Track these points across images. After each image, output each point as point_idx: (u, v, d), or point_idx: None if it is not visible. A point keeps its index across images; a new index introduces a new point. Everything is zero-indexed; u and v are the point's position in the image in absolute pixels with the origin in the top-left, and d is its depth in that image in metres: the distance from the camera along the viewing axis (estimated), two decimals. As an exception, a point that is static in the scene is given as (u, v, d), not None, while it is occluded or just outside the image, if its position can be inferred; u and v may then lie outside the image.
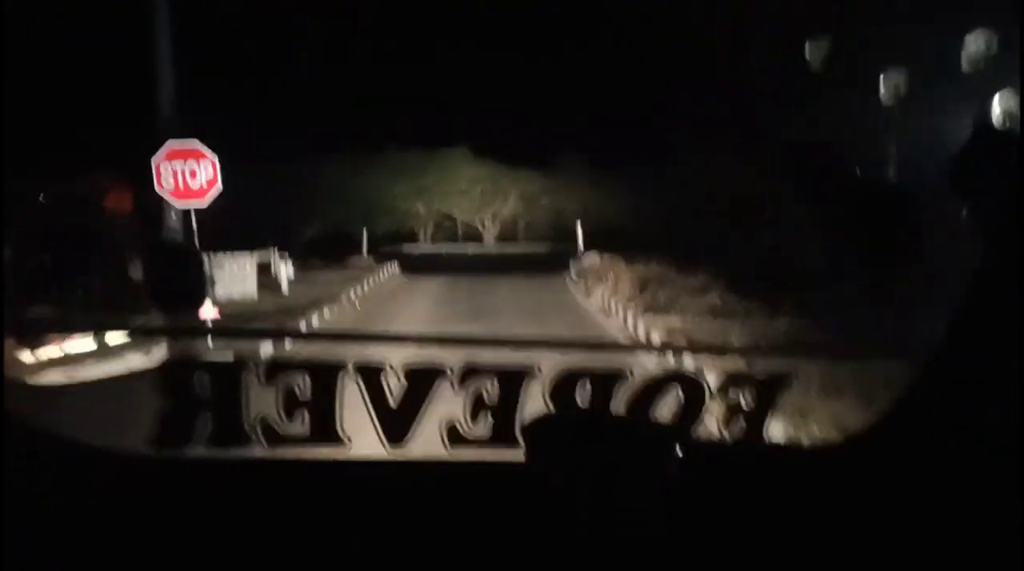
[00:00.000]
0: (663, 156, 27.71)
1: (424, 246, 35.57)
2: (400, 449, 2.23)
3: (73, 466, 2.22)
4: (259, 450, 2.19)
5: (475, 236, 37.03)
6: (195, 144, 8.88)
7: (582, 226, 25.51)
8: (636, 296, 14.77)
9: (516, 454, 2.23)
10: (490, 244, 35.99)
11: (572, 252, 25.66)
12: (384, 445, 2.23)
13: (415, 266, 24.75)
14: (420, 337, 2.87)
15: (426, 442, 2.26)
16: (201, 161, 8.55)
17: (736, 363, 2.34)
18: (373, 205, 33.17)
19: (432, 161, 34.15)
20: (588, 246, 24.13)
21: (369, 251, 28.84)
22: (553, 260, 27.33)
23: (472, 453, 2.25)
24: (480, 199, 35.80)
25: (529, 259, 29.19)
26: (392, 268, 23.42)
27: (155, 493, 2.15)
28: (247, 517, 2.11)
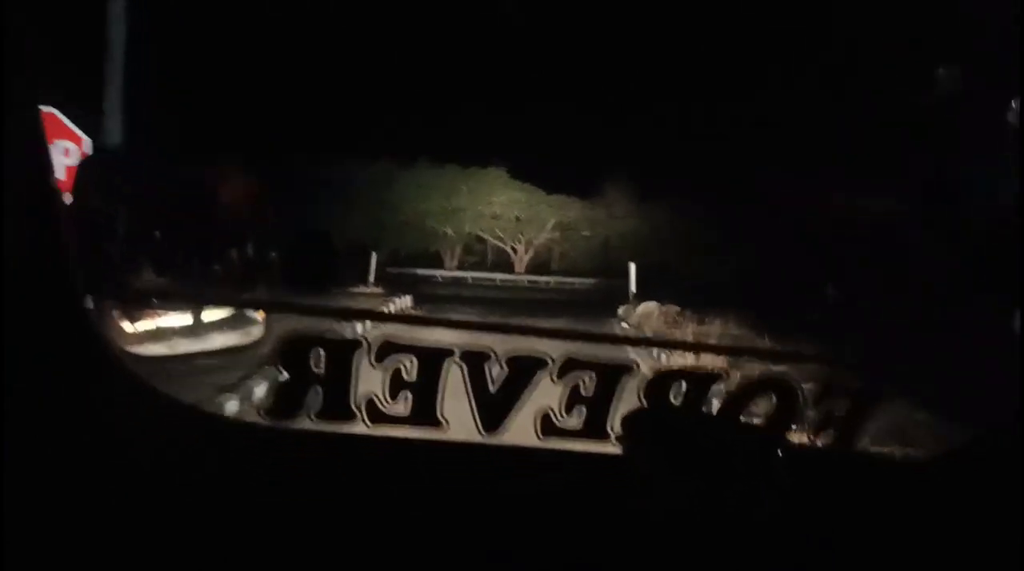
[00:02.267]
0: (713, 192, 25.91)
1: (447, 272, 32.73)
2: (495, 435, 2.33)
3: (185, 429, 2.37)
4: (362, 427, 2.32)
5: (505, 264, 34.37)
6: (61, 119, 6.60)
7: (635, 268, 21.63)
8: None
9: (606, 447, 2.32)
10: (521, 274, 33.60)
11: (618, 293, 23.06)
12: (480, 431, 2.34)
13: (434, 299, 21.29)
14: (519, 327, 2.97)
15: (520, 430, 2.36)
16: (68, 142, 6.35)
17: (830, 375, 2.39)
18: (396, 221, 31.16)
19: (466, 180, 32.66)
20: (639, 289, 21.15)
21: (379, 277, 25.01)
22: (594, 298, 25.41)
23: (564, 444, 2.34)
24: (515, 224, 33.39)
25: (567, 295, 27.32)
26: (403, 302, 18.86)
27: (264, 462, 2.29)
28: (348, 490, 2.24)
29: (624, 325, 17.90)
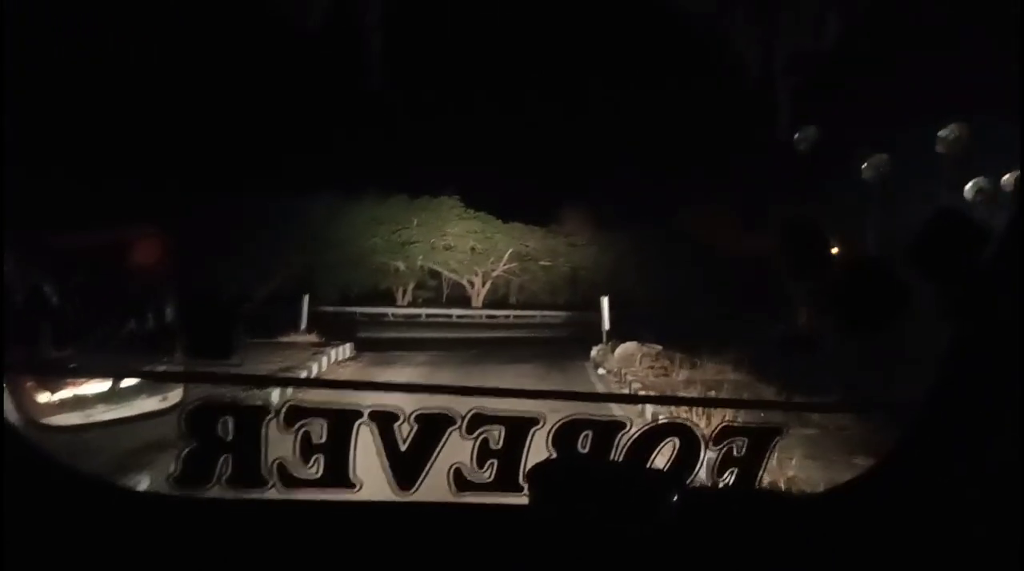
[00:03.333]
0: (665, 223, 25.28)
1: (399, 310, 30.15)
2: (409, 493, 2.37)
3: (94, 503, 2.35)
4: (275, 492, 2.33)
5: (462, 299, 32.02)
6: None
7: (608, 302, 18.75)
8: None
9: (519, 499, 2.38)
10: (478, 308, 31.16)
11: (587, 327, 20.37)
12: (394, 489, 2.37)
13: (379, 347, 17.74)
14: (429, 386, 3.03)
15: (434, 487, 2.40)
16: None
17: (730, 416, 2.51)
18: (342, 258, 28.53)
19: (416, 211, 29.92)
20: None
21: (321, 319, 20.81)
22: (559, 333, 23.19)
23: (477, 498, 2.39)
24: (470, 256, 31.04)
25: (530, 333, 24.36)
26: (341, 352, 15.96)
27: (174, 531, 2.29)
28: (261, 557, 2.24)
29: (601, 371, 15.23)
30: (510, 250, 31.34)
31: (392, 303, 31.02)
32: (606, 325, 18.34)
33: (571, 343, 19.39)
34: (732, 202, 20.95)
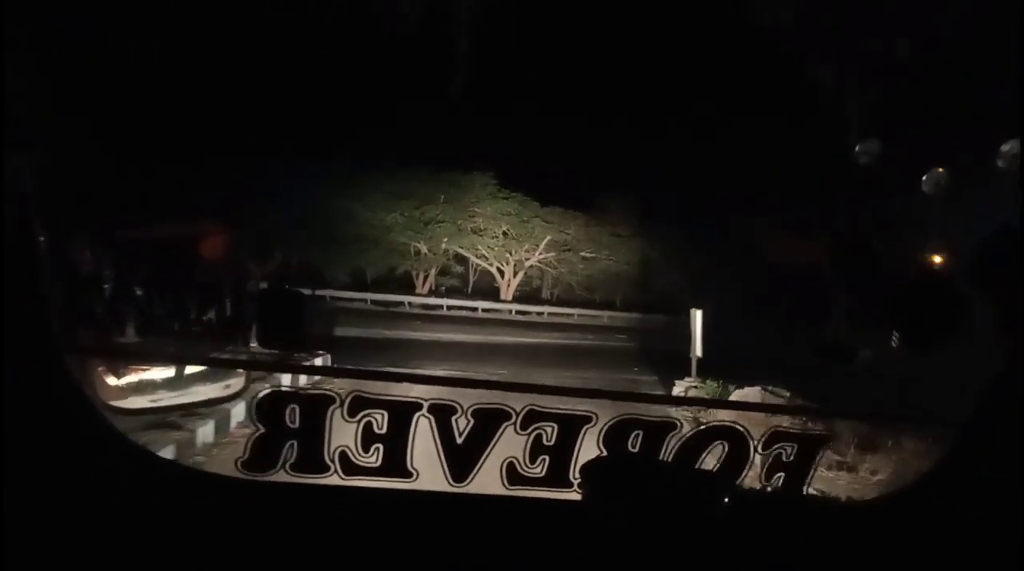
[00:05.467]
0: (708, 217, 22.72)
1: (417, 298, 26.27)
2: (463, 485, 2.49)
3: (164, 484, 2.51)
4: (335, 478, 2.47)
5: (489, 290, 28.15)
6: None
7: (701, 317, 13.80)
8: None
9: (570, 494, 2.48)
10: (507, 302, 27.31)
11: (643, 340, 16.70)
12: (448, 480, 2.49)
13: (366, 352, 12.86)
14: (487, 381, 3.15)
15: (486, 480, 2.51)
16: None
17: (781, 421, 2.57)
18: (355, 236, 24.78)
19: (443, 185, 25.66)
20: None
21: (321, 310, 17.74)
22: (607, 343, 18.97)
23: (529, 492, 2.49)
24: (502, 241, 26.91)
25: (568, 338, 19.93)
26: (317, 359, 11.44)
27: (240, 513, 2.44)
28: (319, 540, 2.38)
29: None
30: (547, 238, 27.05)
31: (411, 290, 27.07)
32: (698, 350, 13.45)
33: (625, 357, 15.66)
34: (788, 209, 20.10)
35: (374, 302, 24.63)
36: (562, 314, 26.57)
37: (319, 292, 21.99)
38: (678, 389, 12.81)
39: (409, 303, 25.82)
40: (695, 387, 12.53)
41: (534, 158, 23.45)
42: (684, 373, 13.22)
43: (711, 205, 22.39)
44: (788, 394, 11.42)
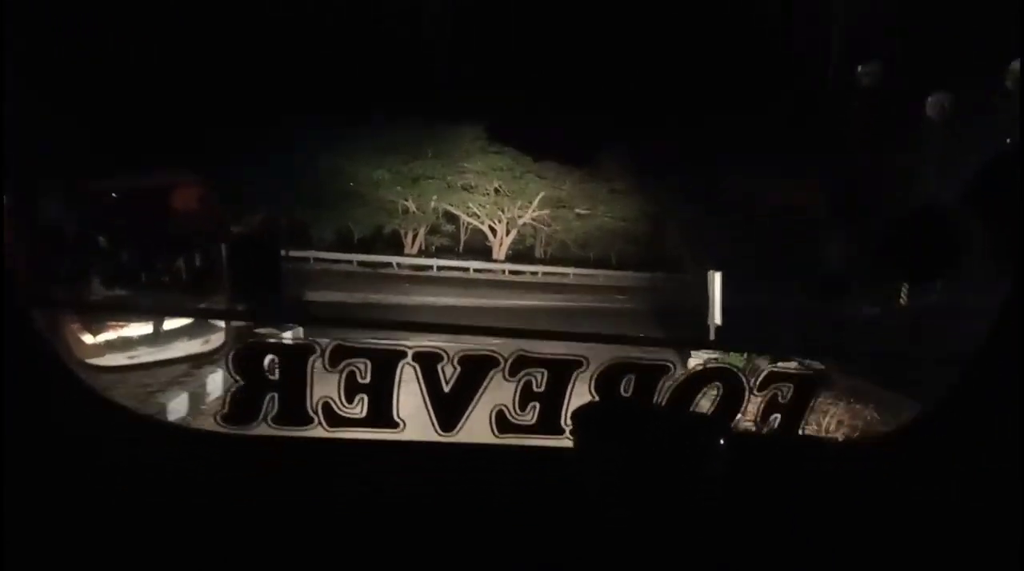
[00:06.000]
0: (707, 169, 22.06)
1: (406, 259, 25.47)
2: (451, 434, 2.42)
3: (144, 439, 2.44)
4: (319, 430, 2.40)
5: (481, 249, 27.27)
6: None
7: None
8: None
9: (562, 441, 2.43)
10: (500, 262, 26.76)
11: (633, 293, 16.71)
12: (436, 429, 2.43)
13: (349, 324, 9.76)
14: (472, 328, 3.07)
15: (475, 428, 2.45)
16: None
17: (774, 362, 2.52)
18: (341, 192, 23.59)
19: (432, 140, 24.40)
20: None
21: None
22: (606, 305, 18.45)
23: (519, 440, 2.44)
24: (493, 198, 26.05)
25: (566, 299, 19.47)
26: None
27: (221, 467, 2.37)
28: (305, 493, 2.33)
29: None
30: (541, 194, 26.10)
31: (399, 250, 26.08)
32: (716, 317, 12.17)
33: (628, 320, 14.79)
34: (785, 146, 19.73)
35: (360, 263, 23.77)
36: (557, 273, 25.87)
37: (301, 253, 21.48)
38: (695, 362, 9.67)
39: (397, 264, 24.96)
40: (715, 359, 10.77)
41: (527, 110, 22.19)
42: (696, 338, 11.93)
43: (708, 156, 21.93)
44: (823, 367, 9.69)
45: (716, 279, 12.16)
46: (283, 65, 19.76)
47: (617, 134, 23.06)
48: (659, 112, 21.98)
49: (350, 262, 23.33)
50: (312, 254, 22.04)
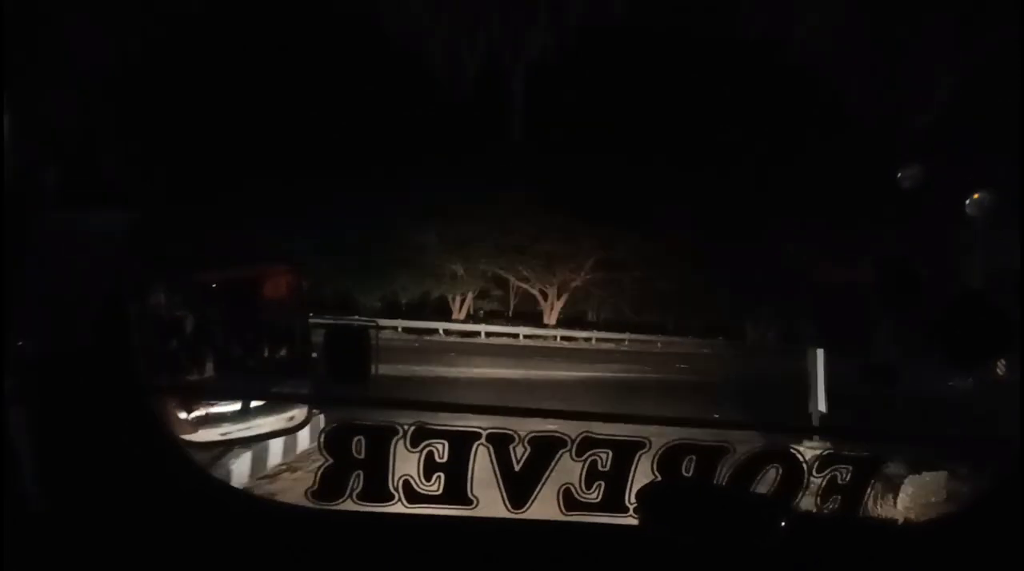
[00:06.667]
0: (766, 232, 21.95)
1: (452, 325, 24.00)
2: (521, 511, 2.58)
3: (239, 513, 2.67)
4: (400, 507, 2.59)
5: (531, 314, 25.85)
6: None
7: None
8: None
9: (626, 519, 2.55)
10: (552, 327, 25.35)
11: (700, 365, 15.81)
12: (507, 506, 2.59)
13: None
14: (538, 411, 3.25)
15: (544, 506, 2.60)
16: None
17: (831, 445, 2.60)
18: (385, 258, 22.46)
19: (481, 201, 23.00)
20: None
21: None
22: (671, 378, 17.09)
23: (585, 517, 2.58)
24: (544, 261, 24.74)
25: (627, 369, 17.85)
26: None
27: (311, 541, 2.57)
28: (387, 567, 2.50)
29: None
30: (594, 257, 24.95)
31: (447, 316, 25.04)
32: (821, 403, 10.03)
33: (694, 394, 13.16)
34: (837, 234, 19.52)
35: (405, 330, 22.75)
36: (611, 340, 24.61)
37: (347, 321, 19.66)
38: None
39: (444, 330, 23.82)
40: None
41: (580, 168, 21.41)
42: (779, 418, 9.82)
43: (760, 227, 21.54)
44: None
45: (819, 358, 10.05)
46: (324, 128, 19.34)
47: (674, 194, 22.42)
48: (719, 172, 21.49)
49: (395, 328, 22.36)
50: (358, 322, 21.99)
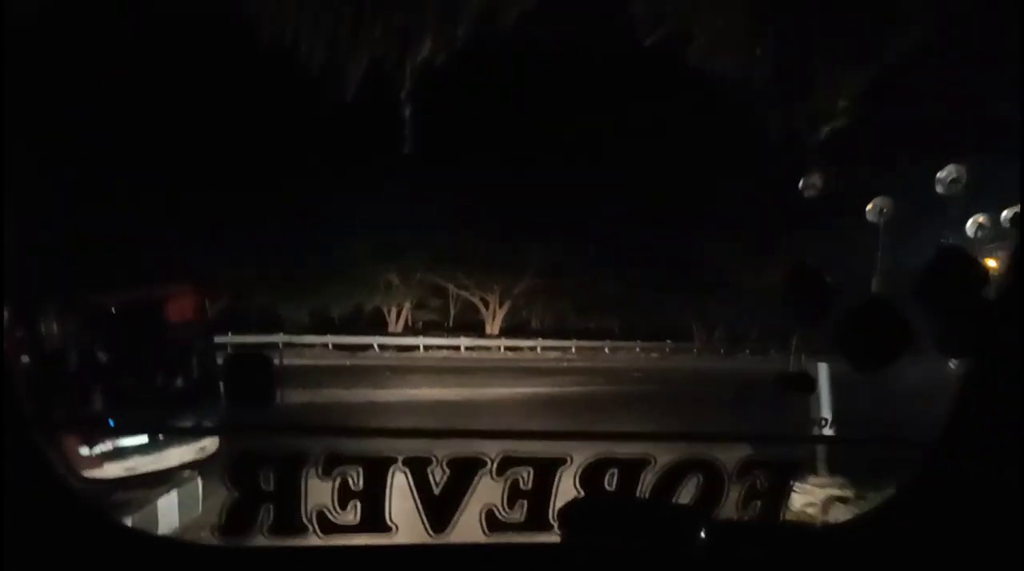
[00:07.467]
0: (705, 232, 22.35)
1: (388, 339, 22.67)
2: (443, 535, 2.50)
3: (141, 554, 2.51)
4: (314, 538, 2.47)
5: (472, 324, 24.78)
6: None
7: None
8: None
9: (550, 537, 2.51)
10: (494, 336, 24.47)
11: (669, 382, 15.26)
12: (428, 532, 2.51)
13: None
14: (460, 431, 3.18)
15: (466, 528, 2.53)
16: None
17: (751, 451, 2.61)
18: (316, 270, 20.89)
19: (417, 212, 21.64)
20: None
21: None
22: (628, 389, 15.81)
23: (508, 538, 2.52)
24: (485, 268, 23.72)
25: (581, 383, 16.61)
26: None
27: None
28: None
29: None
30: (536, 261, 23.98)
31: (383, 329, 23.37)
32: (825, 409, 8.56)
33: (664, 412, 11.54)
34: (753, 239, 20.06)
35: (336, 346, 21.20)
36: (557, 348, 23.80)
37: (267, 338, 18.86)
38: (805, 499, 6.52)
39: (379, 345, 22.08)
40: (840, 495, 7.04)
41: (517, 172, 20.80)
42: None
43: (702, 219, 21.48)
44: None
45: (823, 372, 8.51)
46: (217, 137, 17.95)
47: (616, 193, 21.92)
48: (657, 172, 21.01)
49: (325, 345, 21.13)
50: (281, 338, 19.82)
